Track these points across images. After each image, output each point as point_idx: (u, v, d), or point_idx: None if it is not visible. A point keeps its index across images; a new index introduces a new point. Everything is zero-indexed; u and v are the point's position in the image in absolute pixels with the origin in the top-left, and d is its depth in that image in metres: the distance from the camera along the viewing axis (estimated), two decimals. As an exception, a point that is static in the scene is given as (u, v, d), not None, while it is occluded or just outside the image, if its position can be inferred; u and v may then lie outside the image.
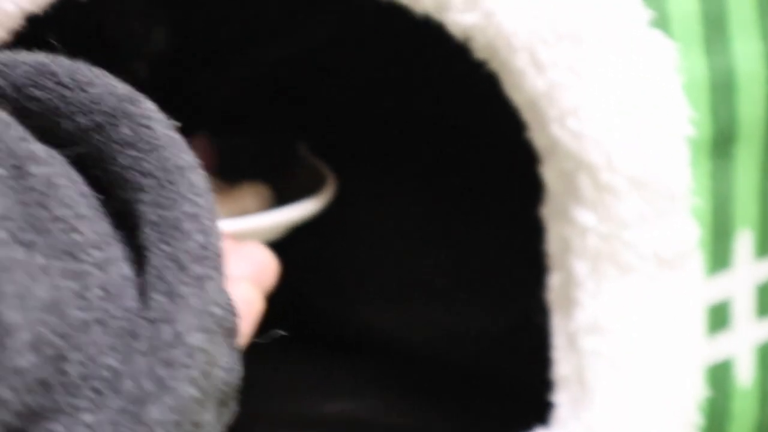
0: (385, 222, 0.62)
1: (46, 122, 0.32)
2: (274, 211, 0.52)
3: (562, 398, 0.48)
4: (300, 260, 0.49)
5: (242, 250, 0.42)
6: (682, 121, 0.43)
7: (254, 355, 0.37)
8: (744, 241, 0.47)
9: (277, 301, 0.43)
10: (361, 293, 0.64)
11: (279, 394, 0.60)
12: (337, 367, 0.63)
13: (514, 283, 0.58)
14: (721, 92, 0.44)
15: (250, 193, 0.55)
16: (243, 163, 0.55)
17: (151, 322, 0.29)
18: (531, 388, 0.51)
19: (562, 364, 0.48)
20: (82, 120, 0.31)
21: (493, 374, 0.61)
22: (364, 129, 0.60)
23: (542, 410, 0.49)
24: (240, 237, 0.48)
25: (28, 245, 0.28)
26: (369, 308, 0.63)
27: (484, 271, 0.61)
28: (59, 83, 0.31)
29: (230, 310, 0.34)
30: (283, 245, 0.48)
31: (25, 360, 0.26)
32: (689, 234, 0.45)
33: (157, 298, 0.29)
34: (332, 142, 0.59)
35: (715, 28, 0.44)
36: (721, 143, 0.44)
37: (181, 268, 0.29)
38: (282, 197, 0.55)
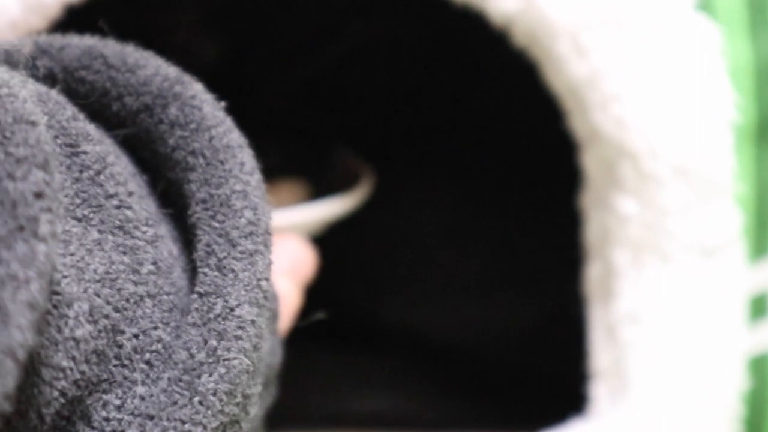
0: (418, 217, 0.62)
1: (95, 104, 0.32)
2: (310, 205, 0.52)
3: (599, 391, 0.48)
4: (333, 256, 0.48)
5: (279, 244, 0.42)
6: (727, 107, 0.43)
7: (286, 351, 0.37)
8: (785, 230, 0.46)
9: (310, 298, 0.43)
10: (393, 289, 0.63)
11: (310, 391, 0.59)
12: (369, 364, 0.62)
13: (548, 276, 0.58)
14: (766, 77, 0.43)
15: (288, 189, 0.55)
16: (281, 159, 0.55)
17: (202, 295, 0.29)
18: (566, 381, 0.50)
19: (601, 356, 0.48)
20: (130, 102, 0.32)
21: (527, 368, 0.60)
22: (398, 124, 0.60)
23: (577, 403, 0.49)
24: (276, 232, 0.48)
25: (83, 220, 0.29)
26: (402, 304, 0.63)
27: (518, 264, 0.61)
28: (108, 65, 0.32)
29: (273, 294, 0.34)
30: (316, 241, 0.48)
31: (83, 330, 0.27)
32: (733, 222, 0.44)
33: (208, 272, 0.30)
34: (368, 138, 0.59)
35: (760, 12, 0.43)
36: (765, 129, 0.44)
37: (232, 243, 0.30)
38: (319, 195, 0.54)
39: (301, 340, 0.41)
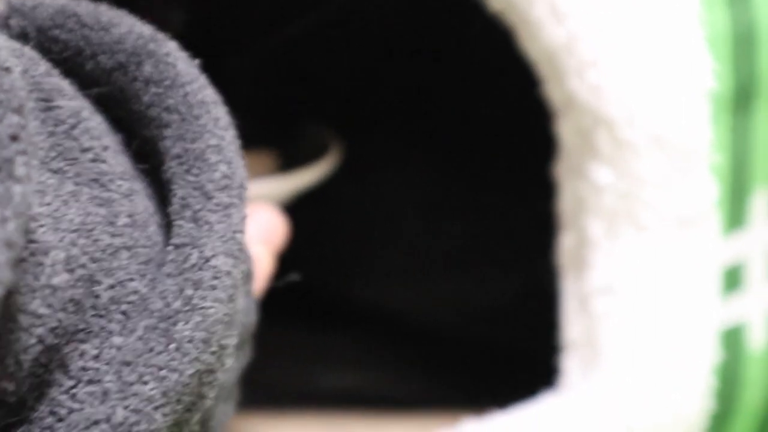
0: (390, 192, 0.61)
1: (69, 64, 0.32)
2: (278, 178, 0.52)
3: (571, 362, 0.48)
4: (304, 232, 0.48)
5: (251, 212, 0.42)
6: (705, 75, 0.42)
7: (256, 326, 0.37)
8: (760, 201, 0.46)
9: (281, 275, 0.43)
10: (365, 265, 0.63)
11: (280, 368, 0.59)
12: (339, 341, 0.62)
13: (522, 251, 0.58)
14: (744, 45, 0.43)
15: (256, 160, 0.54)
16: (249, 131, 0.55)
17: (178, 246, 0.30)
18: (539, 356, 0.50)
19: (573, 328, 0.47)
20: (104, 60, 0.32)
21: (501, 344, 0.60)
22: (370, 96, 0.60)
23: (551, 378, 0.48)
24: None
25: (58, 172, 0.29)
26: (374, 280, 0.63)
27: (492, 239, 0.60)
28: (82, 24, 0.32)
29: (248, 254, 0.35)
30: (289, 216, 0.48)
31: (60, 278, 0.27)
32: (709, 192, 0.44)
33: (183, 224, 0.30)
34: (340, 112, 0.58)
35: (738, -22, 0.43)
36: (742, 98, 0.44)
37: (207, 196, 0.30)
38: (287, 165, 0.54)
39: (271, 316, 0.41)
